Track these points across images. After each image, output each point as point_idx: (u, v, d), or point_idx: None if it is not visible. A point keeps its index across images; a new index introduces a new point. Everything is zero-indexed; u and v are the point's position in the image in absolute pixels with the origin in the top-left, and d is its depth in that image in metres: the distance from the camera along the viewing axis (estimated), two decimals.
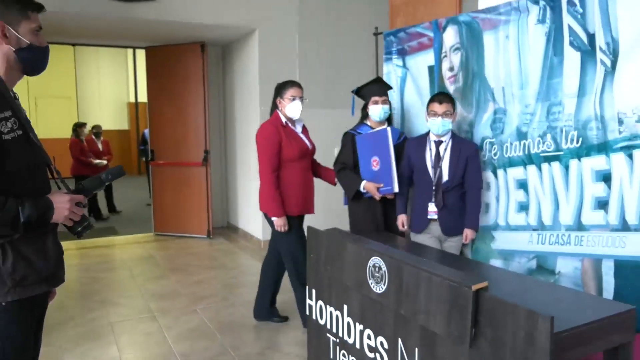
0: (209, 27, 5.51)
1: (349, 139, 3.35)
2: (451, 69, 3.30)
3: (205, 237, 6.35)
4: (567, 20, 2.55)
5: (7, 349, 1.56)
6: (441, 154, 2.97)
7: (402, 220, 3.21)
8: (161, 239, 6.38)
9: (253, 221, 6.14)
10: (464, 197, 2.99)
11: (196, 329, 3.54)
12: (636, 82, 2.27)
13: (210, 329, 3.55)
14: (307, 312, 2.98)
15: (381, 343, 2.34)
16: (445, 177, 2.96)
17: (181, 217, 6.42)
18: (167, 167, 6.44)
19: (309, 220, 3.43)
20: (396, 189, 3.10)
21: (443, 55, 3.37)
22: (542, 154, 2.77)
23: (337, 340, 2.70)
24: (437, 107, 2.90)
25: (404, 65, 3.73)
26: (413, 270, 2.04)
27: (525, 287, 2.19)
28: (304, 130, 3.53)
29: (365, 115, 3.36)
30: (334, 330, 2.73)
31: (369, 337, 2.44)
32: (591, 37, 2.46)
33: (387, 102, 3.26)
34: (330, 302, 2.75)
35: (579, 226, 2.64)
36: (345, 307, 2.61)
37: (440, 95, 2.96)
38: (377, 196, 3.17)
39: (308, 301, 2.97)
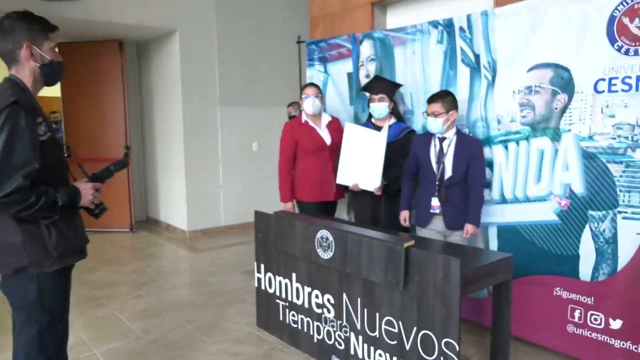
0: (129, 26, 5.69)
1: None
2: (367, 76, 3.94)
3: (128, 230, 6.51)
4: (460, 42, 3.29)
5: (55, 312, 1.93)
6: (445, 150, 3.05)
7: (404, 216, 3.28)
8: None
9: (177, 213, 6.43)
10: (467, 193, 3.04)
11: (147, 310, 3.88)
12: (509, 92, 3.04)
13: (159, 308, 3.90)
14: (256, 285, 3.49)
15: (328, 299, 2.93)
16: (448, 173, 3.02)
17: None
18: (86, 164, 6.46)
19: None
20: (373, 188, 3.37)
21: (360, 64, 4.01)
22: None
23: (287, 304, 3.24)
24: (428, 107, 3.04)
25: (326, 71, 4.32)
26: (356, 237, 2.64)
27: (443, 248, 2.87)
28: (330, 125, 3.73)
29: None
30: (283, 296, 3.27)
31: (316, 297, 3.01)
32: (477, 57, 3.21)
33: (384, 99, 3.40)
34: (279, 272, 3.28)
35: None
36: (293, 275, 3.16)
37: (432, 96, 3.06)
38: (378, 192, 3.38)
39: (256, 274, 3.48)
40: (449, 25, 3.33)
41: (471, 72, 3.26)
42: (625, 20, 2.55)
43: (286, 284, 3.24)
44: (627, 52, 2.56)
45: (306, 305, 3.10)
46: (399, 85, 3.55)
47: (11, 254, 1.83)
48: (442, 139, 3.06)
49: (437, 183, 3.05)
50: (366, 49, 3.93)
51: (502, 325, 2.69)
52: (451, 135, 3.05)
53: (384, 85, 3.45)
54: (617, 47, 2.59)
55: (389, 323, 2.58)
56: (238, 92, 6.41)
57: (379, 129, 3.47)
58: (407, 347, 2.49)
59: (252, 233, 6.25)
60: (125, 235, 6.39)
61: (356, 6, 4.26)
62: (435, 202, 3.08)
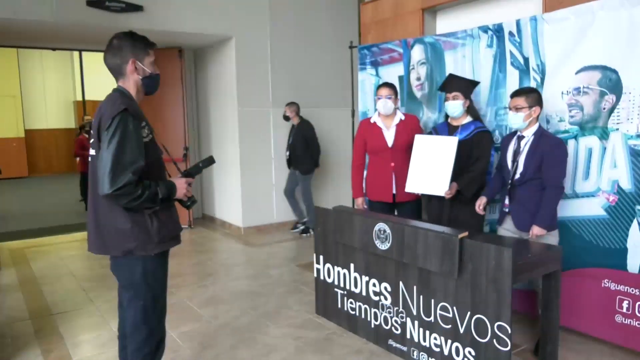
0: (189, 34, 6.08)
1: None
2: (418, 79, 4.15)
3: (187, 226, 6.92)
4: (509, 46, 3.47)
5: (157, 289, 2.26)
6: (521, 148, 3.01)
7: (481, 202, 3.22)
8: None
9: (232, 211, 6.79)
10: (541, 194, 2.94)
11: (212, 298, 4.21)
12: (558, 94, 3.20)
13: (224, 297, 4.23)
14: (315, 275, 3.76)
15: (385, 288, 3.16)
16: (519, 171, 3.00)
17: None
18: None
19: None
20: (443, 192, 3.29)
21: (411, 67, 4.22)
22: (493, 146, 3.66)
23: (345, 292, 3.50)
24: (511, 101, 2.99)
25: (377, 74, 4.56)
26: (412, 229, 2.87)
27: (493, 240, 3.05)
28: (400, 124, 3.72)
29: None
30: (342, 285, 3.52)
31: (374, 285, 3.25)
32: (526, 60, 3.38)
33: (458, 97, 3.32)
34: (338, 263, 3.53)
35: None
36: (352, 265, 3.41)
37: (517, 90, 3.04)
38: (448, 195, 3.31)
39: (315, 265, 3.74)
40: (498, 30, 3.50)
41: (520, 74, 3.43)
42: None
43: (344, 274, 3.49)
44: None
45: (364, 293, 3.34)
46: (476, 83, 3.47)
47: (121, 238, 2.13)
48: (520, 138, 3.02)
49: (510, 181, 3.04)
50: (417, 53, 4.14)
51: (551, 314, 2.85)
52: (530, 134, 2.97)
53: (458, 83, 3.36)
54: None
55: (443, 308, 2.79)
56: (289, 94, 6.70)
57: (454, 128, 3.42)
58: (461, 331, 2.70)
59: None
60: (184, 231, 6.76)
61: (407, 12, 4.47)
62: (507, 200, 3.08)
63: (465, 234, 2.67)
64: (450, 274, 2.67)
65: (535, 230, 2.91)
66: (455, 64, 3.85)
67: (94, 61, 13.41)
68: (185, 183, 2.25)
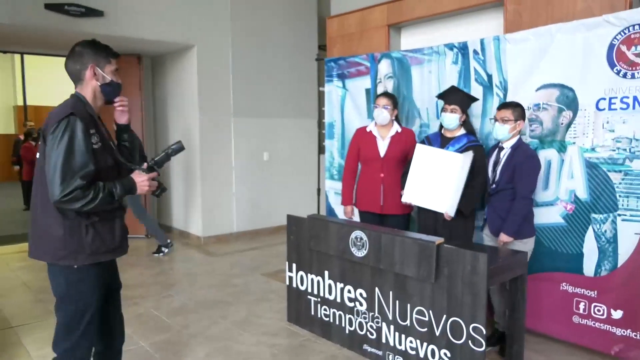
0: (149, 42, 6.00)
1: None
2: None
3: (144, 237, 6.76)
4: (473, 63, 3.68)
5: (80, 303, 2.15)
6: (500, 159, 3.21)
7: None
8: None
9: (191, 220, 6.71)
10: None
11: (181, 307, 4.16)
12: None
13: (192, 306, 4.19)
14: (287, 283, 3.80)
15: (360, 294, 3.26)
16: (495, 180, 3.20)
17: None
18: None
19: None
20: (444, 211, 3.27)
21: (378, 81, 4.37)
22: None
23: (318, 299, 3.56)
24: (498, 113, 3.17)
25: (344, 87, 4.68)
26: (389, 236, 2.98)
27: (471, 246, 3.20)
28: (396, 136, 3.72)
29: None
30: (315, 292, 3.58)
31: (349, 292, 3.34)
32: (490, 77, 3.60)
33: (456, 111, 3.35)
34: (311, 270, 3.60)
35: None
36: (326, 272, 3.48)
37: (504, 103, 3.24)
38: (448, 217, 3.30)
39: (288, 273, 3.79)
40: (463, 47, 3.71)
41: (484, 90, 3.64)
42: (623, 48, 2.95)
43: (318, 281, 3.56)
44: (624, 76, 2.96)
45: (338, 299, 3.42)
46: (475, 99, 3.48)
47: (52, 245, 2.09)
48: (501, 149, 3.20)
49: (489, 190, 3.24)
50: (384, 67, 4.30)
51: (517, 315, 3.04)
52: (509, 146, 3.15)
53: (459, 97, 3.38)
54: (616, 71, 2.99)
55: (419, 312, 2.92)
56: (250, 103, 6.74)
57: (447, 140, 3.44)
58: (437, 333, 2.83)
59: (263, 239, 6.65)
60: (141, 241, 6.63)
61: (372, 27, 4.63)
62: (486, 208, 3.31)
63: (442, 240, 2.81)
64: (428, 278, 2.80)
65: (502, 237, 3.12)
66: (421, 79, 4.03)
67: (37, 65, 12.91)
68: (147, 180, 2.21)
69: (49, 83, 12.49)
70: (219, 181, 6.57)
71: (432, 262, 2.76)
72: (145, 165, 2.29)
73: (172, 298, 4.40)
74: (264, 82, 6.84)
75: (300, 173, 7.30)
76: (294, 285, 3.76)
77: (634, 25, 2.91)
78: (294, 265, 3.74)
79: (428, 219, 3.51)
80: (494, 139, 3.30)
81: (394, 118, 3.77)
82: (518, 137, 3.20)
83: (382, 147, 3.73)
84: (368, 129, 3.82)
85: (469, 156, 3.26)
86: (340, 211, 4.81)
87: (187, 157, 6.64)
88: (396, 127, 3.77)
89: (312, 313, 3.63)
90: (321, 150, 7.45)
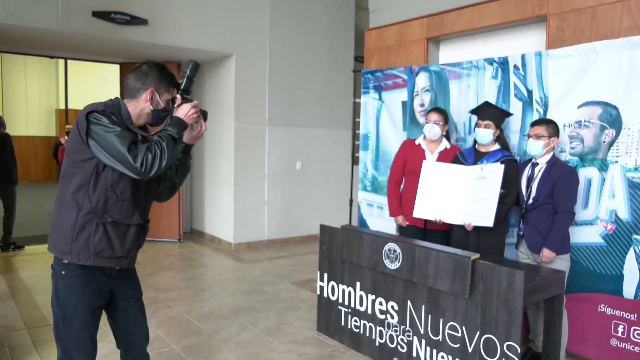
0: (190, 50, 6.15)
1: (454, 160, 3.58)
2: (422, 105, 4.31)
3: (176, 241, 6.89)
4: (513, 79, 3.65)
5: (66, 308, 2.05)
6: (535, 175, 3.20)
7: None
8: None
9: (223, 226, 6.80)
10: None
11: (212, 312, 4.21)
12: (559, 126, 3.37)
13: (223, 311, 4.24)
14: (318, 292, 3.81)
15: (392, 306, 3.24)
16: (532, 197, 3.18)
17: (152, 222, 6.85)
18: None
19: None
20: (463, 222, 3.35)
21: (415, 94, 4.38)
22: None
23: (349, 310, 3.56)
24: (531, 129, 3.18)
25: (380, 99, 4.70)
26: (424, 249, 2.97)
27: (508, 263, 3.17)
28: (444, 152, 3.71)
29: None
30: (346, 303, 3.58)
31: (380, 304, 3.33)
32: (530, 92, 3.56)
33: (490, 126, 3.37)
34: (343, 281, 3.60)
35: None
36: (358, 283, 3.48)
37: (537, 120, 3.25)
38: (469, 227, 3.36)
39: (319, 283, 3.80)
40: (503, 62, 3.69)
41: (524, 105, 3.60)
42: None
43: (349, 292, 3.56)
44: None
45: (369, 311, 3.41)
46: (509, 114, 3.50)
47: (62, 237, 2.04)
48: (535, 164, 3.21)
49: (524, 206, 3.23)
50: (422, 80, 4.30)
51: (553, 335, 2.97)
52: (544, 162, 3.16)
53: (492, 112, 3.40)
54: None
55: (452, 328, 2.89)
56: (285, 113, 6.82)
57: (482, 155, 3.44)
58: (470, 350, 2.79)
59: (293, 247, 6.68)
60: (173, 245, 6.76)
61: (411, 40, 4.64)
62: (522, 224, 3.25)
63: (477, 255, 2.78)
64: (462, 294, 2.78)
65: (546, 252, 3.08)
66: (459, 93, 4.01)
67: (79, 70, 13.36)
68: (190, 108, 2.14)
69: (90, 87, 12.94)
70: (252, 189, 6.65)
71: (467, 278, 2.74)
72: (179, 99, 2.19)
73: (203, 303, 4.46)
74: (299, 92, 6.92)
75: (332, 183, 7.33)
76: (325, 295, 3.77)
77: None
78: (326, 275, 3.76)
79: (457, 233, 3.52)
80: (528, 155, 3.28)
81: (444, 134, 3.76)
82: (552, 153, 3.19)
83: (431, 160, 3.70)
84: (417, 142, 3.82)
85: (493, 167, 3.29)
86: (372, 223, 4.82)
87: (221, 163, 6.76)
88: (445, 143, 3.76)
89: (342, 323, 3.62)
90: (354, 161, 7.47)
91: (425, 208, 3.53)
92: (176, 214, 6.88)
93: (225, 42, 6.27)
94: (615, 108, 3.13)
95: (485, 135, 3.40)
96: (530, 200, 3.19)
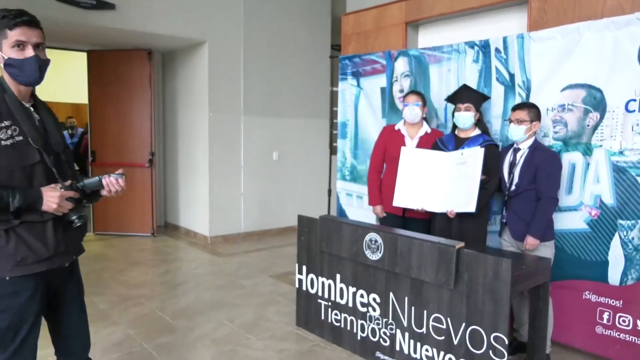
0: (160, 36, 5.91)
1: (434, 147, 3.48)
2: (401, 91, 4.18)
3: (149, 235, 6.66)
4: (495, 62, 3.55)
5: (5, 320, 1.83)
6: (517, 160, 3.11)
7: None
8: (104, 237, 6.57)
9: (198, 219, 6.60)
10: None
11: (187, 309, 4.04)
12: (542, 110, 3.27)
13: (199, 307, 4.07)
14: (297, 286, 3.67)
15: (374, 299, 3.13)
16: (515, 183, 3.10)
17: (124, 216, 6.66)
18: (110, 168, 6.63)
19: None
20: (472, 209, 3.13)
21: (394, 79, 4.25)
22: None
23: (329, 304, 3.44)
24: (512, 114, 3.10)
25: (358, 85, 4.56)
26: (406, 239, 2.85)
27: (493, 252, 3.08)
28: (425, 137, 3.62)
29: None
30: (326, 296, 3.46)
31: (361, 296, 3.21)
32: (512, 76, 3.46)
33: (470, 109, 3.29)
34: (322, 273, 3.47)
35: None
36: (338, 276, 3.36)
37: (518, 104, 3.16)
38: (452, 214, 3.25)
39: (297, 276, 3.66)
40: (485, 45, 3.58)
41: (505, 89, 3.51)
42: None
43: (329, 285, 3.43)
44: None
45: (350, 304, 3.29)
46: (487, 98, 3.45)
47: None
48: (517, 150, 3.13)
49: (506, 193, 3.15)
50: (401, 65, 4.18)
51: (539, 324, 2.90)
52: (526, 147, 3.08)
53: (471, 95, 3.32)
54: None
55: (437, 320, 2.78)
56: (261, 102, 6.63)
57: (462, 140, 3.36)
58: (455, 342, 2.69)
59: (271, 239, 6.53)
60: (146, 239, 6.54)
61: (390, 25, 4.51)
62: (504, 211, 3.17)
63: (462, 244, 2.68)
64: (446, 284, 2.67)
65: (530, 240, 3.00)
66: (440, 78, 3.90)
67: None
68: (59, 197, 1.81)
69: (56, 76, 12.46)
70: (228, 180, 6.46)
71: (452, 267, 2.63)
72: (68, 182, 1.91)
73: (177, 299, 4.29)
74: (275, 80, 6.74)
75: (311, 173, 7.19)
76: (304, 288, 3.64)
77: None
78: (304, 268, 3.62)
79: (439, 221, 3.41)
80: (510, 140, 3.19)
81: (424, 116, 3.66)
82: (534, 137, 3.11)
83: (411, 147, 3.60)
84: (396, 128, 3.72)
85: (473, 152, 3.20)
86: (351, 213, 4.70)
87: (196, 154, 6.55)
88: (426, 127, 3.67)
89: (322, 317, 3.50)
90: (333, 150, 7.34)
91: (406, 196, 3.43)
92: (149, 207, 6.65)
93: (198, 29, 6.04)
94: (600, 91, 3.05)
95: (466, 118, 3.31)
96: (513, 187, 3.10)
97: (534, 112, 3.07)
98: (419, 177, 3.38)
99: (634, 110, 2.92)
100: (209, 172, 6.30)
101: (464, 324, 2.65)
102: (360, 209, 4.62)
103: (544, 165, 3.00)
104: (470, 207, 3.13)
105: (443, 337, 2.75)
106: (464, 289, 2.64)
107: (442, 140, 3.48)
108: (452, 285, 2.65)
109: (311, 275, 3.57)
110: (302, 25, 6.93)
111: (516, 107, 3.13)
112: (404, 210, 3.61)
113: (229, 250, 6.02)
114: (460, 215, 3.25)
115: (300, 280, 3.66)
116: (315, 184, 7.16)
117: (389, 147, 3.69)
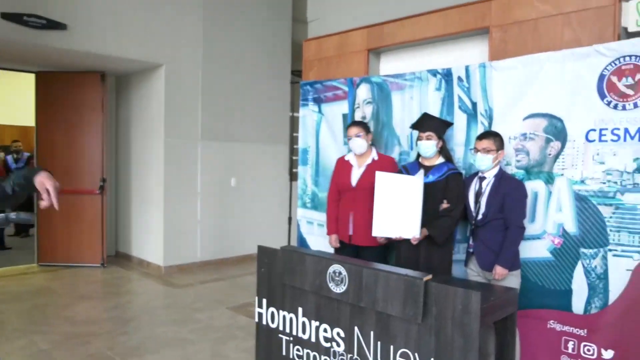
0: (114, 58, 5.70)
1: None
2: (363, 117, 4.13)
3: (99, 265, 6.31)
4: (457, 91, 3.55)
5: None
6: (483, 189, 3.10)
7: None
8: (50, 269, 6.18)
9: (152, 249, 6.31)
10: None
11: (138, 347, 3.78)
12: (505, 139, 3.28)
13: (151, 345, 3.82)
14: (256, 320, 3.49)
15: (337, 333, 2.99)
16: (482, 212, 3.07)
17: (72, 245, 6.30)
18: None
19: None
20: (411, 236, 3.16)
21: (356, 106, 4.20)
22: None
23: (291, 339, 3.27)
24: (478, 143, 3.08)
25: (320, 111, 4.49)
26: (372, 271, 2.75)
27: (461, 283, 3.01)
28: (372, 165, 3.60)
29: None
30: (287, 331, 3.29)
31: (325, 331, 3.06)
32: (474, 105, 3.47)
33: (431, 137, 3.27)
34: (284, 307, 3.31)
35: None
36: (300, 309, 3.20)
37: (484, 133, 3.14)
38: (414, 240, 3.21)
39: (257, 309, 3.48)
40: (447, 74, 3.59)
41: (468, 118, 3.51)
42: (614, 79, 2.86)
43: (291, 319, 3.27)
44: (615, 107, 2.87)
45: (313, 339, 3.14)
46: (449, 124, 3.43)
47: None
48: (482, 179, 3.11)
49: (472, 222, 3.12)
50: (363, 92, 4.14)
51: (507, 356, 2.83)
52: (491, 175, 3.08)
53: (433, 123, 3.32)
54: (606, 102, 2.90)
55: (404, 355, 2.67)
56: (219, 127, 6.50)
57: (427, 168, 3.33)
58: None
59: (228, 269, 6.30)
60: (96, 270, 6.19)
61: (352, 52, 4.49)
62: (470, 241, 3.14)
63: (429, 276, 2.59)
64: (414, 318, 2.57)
65: (499, 270, 2.96)
66: (402, 105, 3.88)
67: None
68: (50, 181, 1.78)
69: (2, 99, 11.91)
70: (184, 207, 6.23)
71: (420, 301, 2.54)
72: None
73: (128, 336, 4.01)
74: (234, 105, 6.62)
75: (270, 201, 7.05)
76: (264, 322, 3.45)
77: (624, 57, 2.83)
78: (264, 301, 3.45)
79: (405, 251, 3.34)
80: (477, 169, 3.17)
81: (370, 143, 3.65)
82: (499, 166, 3.12)
83: (355, 176, 3.63)
84: (346, 158, 3.72)
85: (421, 176, 3.23)
86: (312, 241, 4.58)
87: (150, 180, 6.30)
88: (373, 155, 3.64)
89: (284, 353, 3.32)
90: (293, 177, 7.23)
91: (383, 225, 3.26)
92: (99, 236, 6.32)
93: (155, 52, 5.88)
94: (560, 120, 3.08)
95: (428, 147, 3.30)
96: (480, 216, 3.06)
97: (499, 141, 3.08)
98: (395, 204, 3.24)
99: (594, 140, 2.95)
100: (164, 199, 6.07)
101: (432, 359, 2.55)
102: (321, 237, 4.50)
103: (511, 194, 3.00)
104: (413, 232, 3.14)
105: None
106: (432, 322, 2.54)
107: (406, 167, 3.44)
108: (419, 319, 2.55)
109: (272, 309, 3.40)
110: (263, 50, 6.87)
111: (482, 137, 3.13)
112: (350, 236, 3.61)
113: (184, 281, 5.76)
114: (427, 244, 3.19)
115: (260, 314, 3.48)
116: (275, 211, 7.03)
117: (339, 178, 3.70)
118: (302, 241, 4.65)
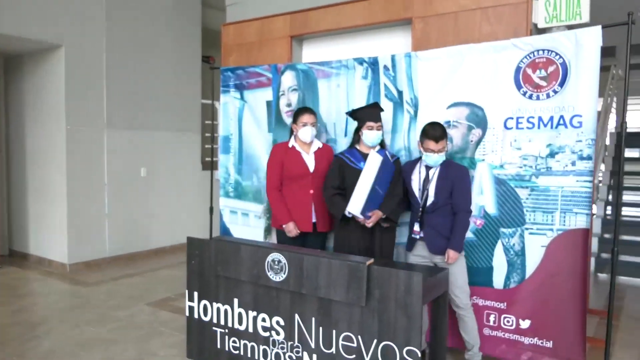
0: (5, 37, 5.13)
1: (337, 163, 3.42)
2: (289, 105, 4.11)
3: None
4: (383, 79, 3.65)
5: None
6: (430, 177, 3.14)
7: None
8: None
9: (54, 245, 5.82)
10: (452, 219, 3.11)
11: (54, 352, 3.48)
12: None
13: (68, 348, 3.54)
14: (187, 314, 3.37)
15: (277, 322, 2.98)
16: (431, 199, 3.10)
17: None
18: None
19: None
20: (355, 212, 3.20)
21: (281, 93, 4.16)
22: None
23: (226, 331, 3.21)
24: (434, 146, 3.03)
25: (242, 98, 4.39)
26: (313, 258, 2.76)
27: (401, 266, 3.10)
28: (318, 152, 3.62)
29: (357, 139, 3.42)
30: (222, 323, 3.22)
31: (263, 320, 3.04)
32: (400, 93, 3.59)
33: (381, 127, 3.34)
34: (217, 299, 3.23)
35: None
36: (235, 300, 3.15)
37: (436, 133, 3.03)
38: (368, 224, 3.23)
39: (188, 303, 3.37)
40: (374, 63, 3.67)
41: (394, 106, 3.62)
42: (529, 71, 3.11)
43: (226, 310, 3.20)
44: (530, 97, 3.11)
45: (250, 329, 3.10)
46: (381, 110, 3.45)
47: None
48: (428, 167, 3.15)
49: (420, 209, 3.16)
50: (288, 79, 4.11)
51: (439, 333, 3.00)
52: (437, 163, 3.12)
53: (380, 114, 3.36)
54: (522, 92, 3.14)
55: (347, 338, 2.72)
56: (126, 114, 6.11)
57: (365, 156, 3.33)
58: (367, 359, 2.66)
59: (142, 263, 6.02)
60: None
61: (275, 38, 4.43)
62: (417, 227, 3.17)
63: (371, 260, 2.66)
64: (358, 302, 2.63)
65: (451, 254, 3.05)
66: (329, 93, 3.90)
67: None
68: None
69: None
70: (89, 200, 5.81)
71: (363, 285, 2.60)
72: None
73: (39, 340, 3.68)
74: (142, 91, 6.27)
75: (183, 191, 6.80)
76: (196, 316, 3.35)
77: (538, 50, 3.08)
78: (196, 294, 3.34)
79: (364, 232, 3.31)
80: (430, 165, 3.15)
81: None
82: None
83: (310, 162, 3.58)
84: (290, 145, 3.63)
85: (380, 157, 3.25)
86: (236, 231, 4.48)
87: (50, 172, 5.78)
88: (317, 143, 3.66)
89: (219, 346, 3.25)
90: (205, 166, 7.02)
91: (358, 204, 3.22)
92: None
93: (53, 30, 5.38)
94: (481, 109, 3.28)
95: (379, 137, 3.35)
96: (429, 203, 3.14)
97: (446, 133, 3.11)
98: (368, 184, 3.24)
99: (512, 128, 3.19)
100: (67, 192, 5.61)
101: (375, 341, 2.63)
102: (246, 226, 4.43)
103: (460, 180, 3.10)
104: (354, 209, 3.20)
105: (354, 356, 2.70)
106: (375, 305, 2.62)
107: (347, 156, 3.41)
108: (363, 303, 2.62)
109: (204, 302, 3.30)
110: (172, 36, 6.57)
111: (437, 138, 3.04)
112: (314, 224, 3.57)
113: (94, 279, 5.40)
114: (381, 228, 3.29)
115: (191, 308, 3.36)
116: (190, 201, 6.80)
117: (289, 165, 3.58)
118: (225, 231, 4.54)
